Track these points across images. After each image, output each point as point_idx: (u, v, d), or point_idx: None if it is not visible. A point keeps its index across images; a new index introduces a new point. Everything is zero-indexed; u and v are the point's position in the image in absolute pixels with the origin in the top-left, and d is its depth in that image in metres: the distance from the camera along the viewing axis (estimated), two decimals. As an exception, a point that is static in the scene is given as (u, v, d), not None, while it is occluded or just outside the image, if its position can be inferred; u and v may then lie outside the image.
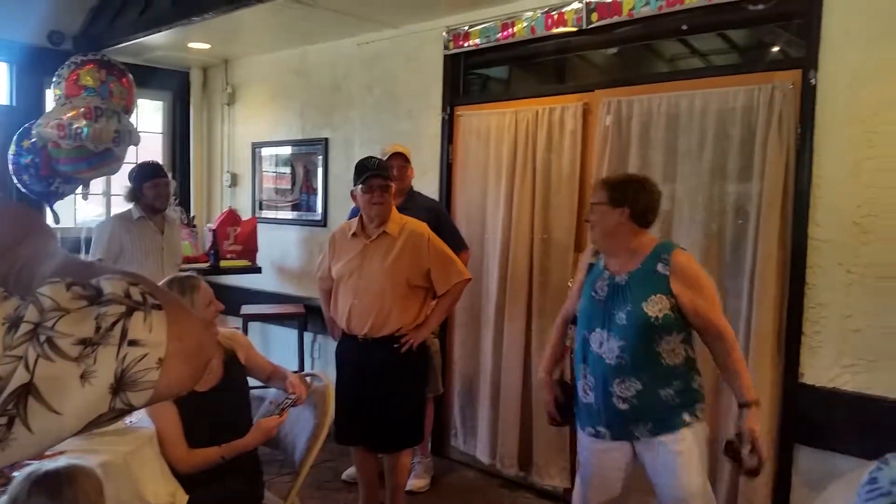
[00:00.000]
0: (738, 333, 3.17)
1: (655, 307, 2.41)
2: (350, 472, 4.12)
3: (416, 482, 3.99)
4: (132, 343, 0.70)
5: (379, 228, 3.25)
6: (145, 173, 4.08)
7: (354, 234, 3.32)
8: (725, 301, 3.26)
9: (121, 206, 5.88)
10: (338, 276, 3.36)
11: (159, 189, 4.06)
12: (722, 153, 3.23)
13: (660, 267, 2.46)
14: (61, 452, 2.19)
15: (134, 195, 4.05)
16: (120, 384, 0.69)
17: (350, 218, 3.99)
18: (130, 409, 0.72)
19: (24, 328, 0.66)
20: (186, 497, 2.44)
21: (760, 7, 3.18)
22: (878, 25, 2.83)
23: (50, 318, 0.67)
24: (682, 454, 2.43)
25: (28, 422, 0.66)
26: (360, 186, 3.24)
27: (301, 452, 2.80)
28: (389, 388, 3.26)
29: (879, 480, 0.63)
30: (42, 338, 0.66)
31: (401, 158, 3.91)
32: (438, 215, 3.83)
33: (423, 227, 3.31)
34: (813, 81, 2.97)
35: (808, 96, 2.99)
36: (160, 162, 6.14)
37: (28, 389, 0.66)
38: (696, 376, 2.53)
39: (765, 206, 3.08)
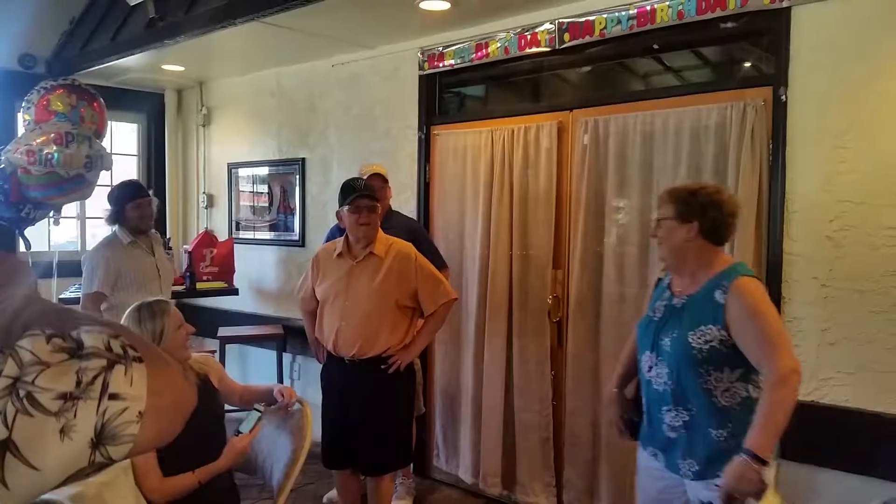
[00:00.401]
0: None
1: (702, 338, 2.16)
2: (331, 495, 4.07)
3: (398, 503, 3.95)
4: (113, 397, 0.69)
5: (366, 249, 3.24)
6: (127, 194, 3.93)
7: (340, 255, 3.31)
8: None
9: (99, 228, 5.85)
10: (323, 298, 3.34)
11: (143, 209, 3.92)
12: (697, 170, 3.26)
13: (717, 294, 2.18)
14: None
15: (116, 218, 3.90)
16: (100, 438, 0.68)
17: (328, 238, 3.98)
18: (110, 461, 0.71)
19: (3, 383, 0.65)
20: (163, 526, 2.41)
21: (730, 25, 3.23)
22: (846, 41, 2.88)
23: (30, 373, 0.66)
24: None
25: (6, 478, 0.64)
26: (346, 207, 3.23)
27: (279, 477, 2.76)
28: (378, 409, 3.24)
29: None
30: (22, 392, 0.65)
31: (379, 179, 3.91)
32: (416, 233, 3.82)
33: (409, 248, 3.31)
34: (783, 98, 3.01)
35: (779, 113, 3.03)
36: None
37: (6, 446, 0.64)
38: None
39: (739, 221, 3.09)
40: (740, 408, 2.16)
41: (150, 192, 4.20)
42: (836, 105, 2.90)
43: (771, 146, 3.06)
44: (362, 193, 3.21)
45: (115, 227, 3.93)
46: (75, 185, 3.73)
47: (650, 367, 2.32)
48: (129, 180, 4.18)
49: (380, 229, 3.31)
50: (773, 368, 2.07)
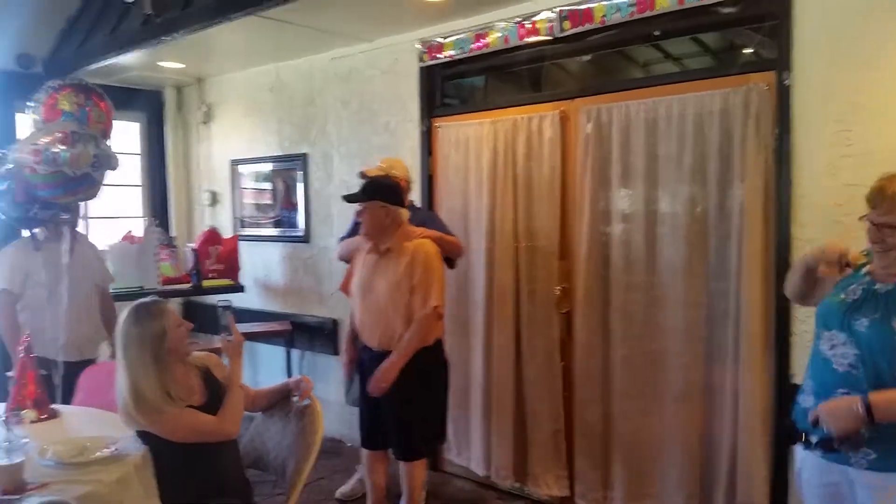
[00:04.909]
0: (727, 336, 3.20)
1: None
2: (343, 489, 4.10)
3: (409, 497, 3.96)
4: None
5: (385, 245, 3.33)
6: None
7: (370, 251, 3.42)
8: (711, 304, 3.28)
9: (99, 229, 5.84)
10: (353, 290, 3.50)
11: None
12: (702, 157, 3.26)
13: None
14: (44, 484, 2.16)
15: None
16: None
17: (347, 234, 4.02)
18: None
19: None
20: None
21: (731, 10, 3.21)
22: (850, 24, 2.86)
23: None
24: None
25: None
26: None
27: (291, 472, 2.77)
28: (404, 399, 3.33)
29: None
30: None
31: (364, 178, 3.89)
32: (426, 223, 3.76)
33: (426, 246, 3.36)
34: (787, 82, 3.00)
35: (783, 97, 3.02)
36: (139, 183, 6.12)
37: None
38: None
39: (747, 207, 3.10)
40: None
41: None
42: (840, 88, 2.88)
43: (776, 131, 3.04)
44: (344, 195, 3.48)
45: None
46: (82, 184, 3.70)
47: (832, 346, 2.14)
48: None
49: (406, 226, 3.38)
50: None
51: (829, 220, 2.90)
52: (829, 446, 2.06)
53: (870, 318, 2.08)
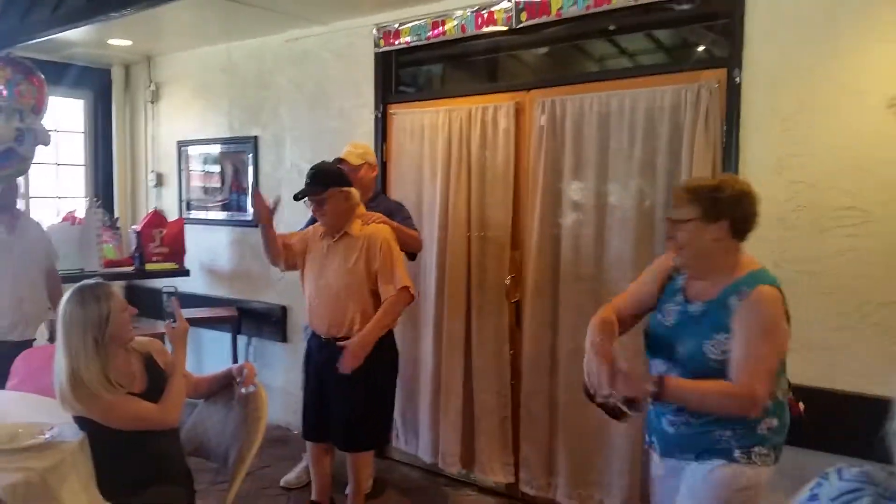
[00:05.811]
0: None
1: (718, 348, 2.05)
2: (288, 477, 4.05)
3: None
4: None
5: (340, 231, 3.28)
6: None
7: (323, 236, 3.36)
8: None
9: (40, 209, 5.66)
10: (305, 274, 3.42)
11: None
12: (652, 151, 3.30)
13: (732, 300, 2.06)
14: (-25, 475, 2.08)
15: None
16: None
17: (306, 226, 3.87)
18: None
19: None
20: (109, 508, 2.36)
21: (686, 7, 3.26)
22: (799, 25, 2.92)
23: None
24: (697, 491, 2.11)
25: None
26: None
27: (234, 460, 2.72)
28: (350, 389, 3.27)
29: (820, 497, 0.58)
30: None
31: (344, 164, 3.80)
32: (392, 214, 3.67)
33: (382, 231, 3.32)
34: (738, 80, 3.05)
35: (733, 95, 3.07)
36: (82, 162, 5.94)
37: None
38: (764, 421, 2.09)
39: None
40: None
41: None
42: (788, 87, 2.94)
43: (725, 128, 3.09)
44: (297, 193, 3.30)
45: None
46: (7, 159, 3.57)
47: (660, 372, 2.19)
48: None
49: (361, 210, 3.35)
50: (745, 383, 1.98)
51: (772, 216, 2.94)
52: (615, 408, 2.10)
53: (686, 346, 2.13)
